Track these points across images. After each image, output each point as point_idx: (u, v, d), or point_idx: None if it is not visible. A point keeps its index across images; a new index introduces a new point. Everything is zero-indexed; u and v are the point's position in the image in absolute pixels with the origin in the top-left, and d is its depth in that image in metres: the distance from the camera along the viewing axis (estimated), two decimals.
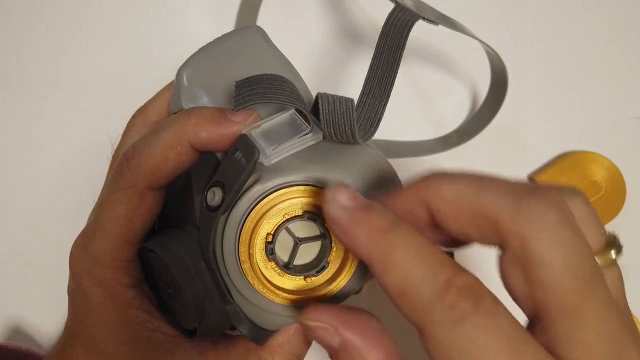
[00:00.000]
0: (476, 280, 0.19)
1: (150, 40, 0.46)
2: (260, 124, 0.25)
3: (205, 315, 0.26)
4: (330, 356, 0.22)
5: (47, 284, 0.39)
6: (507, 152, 0.48)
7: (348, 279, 0.26)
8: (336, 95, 0.25)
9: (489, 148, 0.47)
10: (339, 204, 0.21)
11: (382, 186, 0.26)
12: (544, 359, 0.19)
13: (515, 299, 0.20)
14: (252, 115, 0.25)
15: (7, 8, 0.46)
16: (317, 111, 0.25)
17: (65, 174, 0.44)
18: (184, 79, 0.29)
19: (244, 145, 0.24)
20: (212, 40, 0.30)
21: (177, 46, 0.46)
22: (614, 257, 0.22)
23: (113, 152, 0.33)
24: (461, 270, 0.19)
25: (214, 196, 0.24)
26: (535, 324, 0.20)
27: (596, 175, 0.46)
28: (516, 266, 0.19)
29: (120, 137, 0.33)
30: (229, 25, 0.47)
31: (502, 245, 0.20)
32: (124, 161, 0.27)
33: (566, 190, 0.22)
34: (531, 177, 0.47)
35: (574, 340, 0.19)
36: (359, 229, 0.20)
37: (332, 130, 0.25)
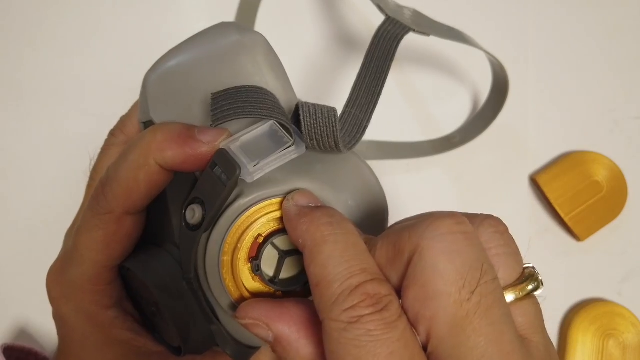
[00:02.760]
0: (389, 294, 0.19)
1: (150, 41, 0.46)
2: (238, 137, 0.23)
3: (190, 335, 0.26)
4: (271, 348, 0.22)
5: (43, 282, 0.39)
6: (509, 152, 0.48)
7: None
8: (318, 105, 0.24)
9: (491, 148, 0.47)
10: (295, 202, 0.23)
11: (365, 196, 0.26)
12: None
13: (412, 323, 0.20)
14: (223, 135, 0.23)
15: (7, 8, 0.46)
16: (299, 120, 0.24)
17: (66, 174, 0.44)
18: (152, 86, 0.26)
19: (224, 161, 0.22)
20: (183, 40, 0.27)
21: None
22: (529, 289, 0.21)
23: (91, 170, 0.31)
24: (380, 281, 0.20)
25: (194, 214, 0.23)
26: (427, 345, 0.19)
27: (597, 175, 0.46)
28: (411, 286, 0.19)
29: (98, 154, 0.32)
30: None
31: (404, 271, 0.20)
32: (99, 188, 0.25)
33: (480, 216, 0.22)
34: (533, 178, 0.47)
35: None
36: (303, 219, 0.22)
37: (314, 142, 0.24)
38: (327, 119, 0.24)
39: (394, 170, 0.47)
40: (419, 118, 0.48)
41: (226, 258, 0.24)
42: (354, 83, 0.27)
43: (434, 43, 0.48)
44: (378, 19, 0.31)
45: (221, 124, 0.23)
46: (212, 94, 0.24)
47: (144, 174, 0.24)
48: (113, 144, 0.30)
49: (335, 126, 0.24)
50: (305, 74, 0.48)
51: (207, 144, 0.23)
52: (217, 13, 0.47)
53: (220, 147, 0.23)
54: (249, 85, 0.24)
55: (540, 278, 0.21)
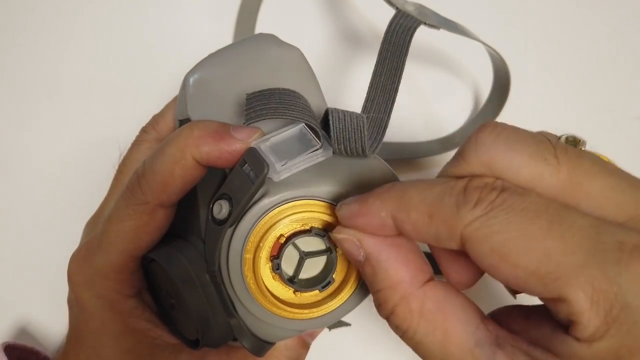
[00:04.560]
0: (496, 180, 0.19)
1: (151, 41, 0.46)
2: (269, 137, 0.24)
3: (209, 328, 0.26)
4: (360, 270, 0.22)
5: (51, 285, 0.39)
6: None
7: (350, 295, 0.26)
8: (347, 111, 0.25)
9: None
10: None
11: None
12: (590, 220, 0.18)
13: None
14: (256, 134, 0.24)
15: (8, 8, 0.46)
16: (327, 126, 0.25)
17: (66, 175, 0.44)
18: (191, 86, 0.28)
19: (253, 159, 0.23)
20: (222, 47, 0.29)
21: (177, 47, 0.46)
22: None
23: (120, 162, 0.32)
24: (476, 176, 0.20)
25: (221, 209, 0.24)
26: None
27: None
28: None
29: (128, 147, 0.33)
30: (229, 27, 0.47)
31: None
32: (134, 179, 0.26)
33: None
34: None
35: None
36: (376, 200, 0.21)
37: (342, 147, 0.25)
38: (355, 125, 0.25)
39: (395, 170, 0.46)
40: (419, 118, 0.48)
41: (248, 255, 0.24)
42: (370, 82, 0.27)
43: (434, 43, 0.48)
44: (381, 16, 0.31)
45: (254, 122, 0.24)
46: (246, 94, 0.25)
47: (180, 168, 0.25)
48: (144, 139, 0.31)
49: (364, 132, 0.25)
50: None
51: (240, 141, 0.24)
52: (218, 13, 0.47)
53: (251, 145, 0.24)
54: (282, 88, 0.25)
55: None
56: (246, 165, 0.24)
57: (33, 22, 0.46)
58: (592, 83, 0.49)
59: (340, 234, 0.22)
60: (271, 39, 0.28)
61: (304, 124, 0.25)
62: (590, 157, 0.20)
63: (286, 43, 0.27)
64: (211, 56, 0.28)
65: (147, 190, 0.26)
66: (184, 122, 0.28)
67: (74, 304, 0.30)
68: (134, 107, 0.45)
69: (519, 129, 0.21)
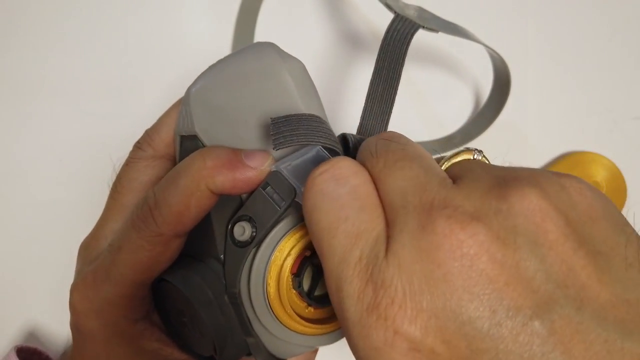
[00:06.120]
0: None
1: (150, 42, 0.46)
2: (288, 161, 0.25)
3: (226, 346, 0.26)
4: None
5: (52, 286, 0.40)
6: (509, 152, 0.48)
7: None
8: (362, 137, 0.25)
9: (491, 148, 0.47)
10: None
11: None
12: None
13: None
14: (269, 160, 0.25)
15: (7, 8, 0.46)
16: (346, 148, 0.25)
17: (67, 174, 0.44)
18: (195, 101, 0.27)
19: (278, 183, 0.24)
20: (222, 57, 0.28)
21: (177, 47, 0.46)
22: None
23: (114, 179, 0.31)
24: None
25: (244, 231, 0.24)
26: None
27: (597, 175, 0.46)
28: None
29: (122, 164, 0.31)
30: (229, 27, 0.47)
31: None
32: (147, 211, 0.26)
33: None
34: None
35: None
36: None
37: None
38: None
39: None
40: (420, 117, 0.48)
41: (272, 275, 0.24)
42: (368, 91, 0.28)
43: (434, 43, 0.48)
44: (381, 17, 0.31)
45: (282, 148, 0.24)
46: (271, 118, 0.24)
47: (196, 199, 0.25)
48: (141, 157, 0.30)
49: None
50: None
51: (254, 169, 0.24)
52: (218, 15, 0.47)
53: (273, 169, 0.24)
54: (308, 114, 0.25)
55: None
56: (269, 187, 0.24)
57: (33, 22, 0.46)
58: (592, 83, 0.49)
59: None
60: (272, 50, 0.27)
61: (320, 147, 0.25)
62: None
63: (287, 54, 0.27)
64: (213, 68, 0.28)
65: (162, 222, 0.25)
66: (187, 138, 0.28)
67: (80, 331, 0.29)
68: (133, 107, 0.45)
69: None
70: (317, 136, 0.24)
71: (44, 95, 0.45)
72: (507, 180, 0.19)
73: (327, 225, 0.20)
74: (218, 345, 0.26)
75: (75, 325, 0.29)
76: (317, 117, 0.25)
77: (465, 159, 0.24)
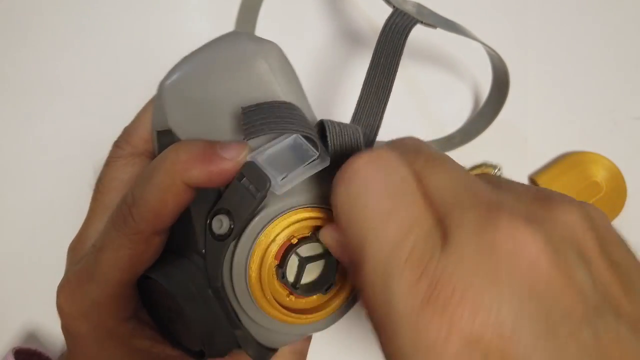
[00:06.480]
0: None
1: (150, 41, 0.46)
2: (263, 150, 0.24)
3: (214, 340, 0.26)
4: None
5: (51, 286, 0.39)
6: (509, 152, 0.48)
7: (351, 294, 0.26)
8: (342, 123, 0.25)
9: (490, 148, 0.47)
10: None
11: None
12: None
13: None
14: (244, 150, 0.24)
15: (7, 8, 0.46)
16: (323, 136, 0.25)
17: (67, 174, 0.44)
18: (168, 94, 0.26)
19: (253, 173, 0.23)
20: (195, 48, 0.27)
21: (178, 47, 0.46)
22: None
23: (96, 180, 0.31)
24: None
25: (221, 224, 0.24)
26: None
27: (597, 175, 0.46)
28: None
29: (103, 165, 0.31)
30: (229, 26, 0.47)
31: None
32: (125, 209, 0.25)
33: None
34: (532, 178, 0.47)
35: None
36: None
37: (339, 158, 0.24)
38: (352, 137, 0.24)
39: None
40: (419, 117, 0.48)
41: (254, 267, 0.24)
42: (362, 87, 0.27)
43: (433, 42, 0.48)
44: (380, 14, 0.31)
45: (253, 137, 0.23)
46: (242, 107, 0.24)
47: (172, 195, 0.24)
48: (120, 156, 0.30)
49: (361, 144, 0.25)
50: (307, 73, 0.47)
51: (230, 160, 0.24)
52: (218, 13, 0.47)
53: (248, 159, 0.24)
54: (279, 101, 0.25)
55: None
56: (244, 179, 0.23)
57: (32, 23, 0.46)
58: (592, 83, 0.49)
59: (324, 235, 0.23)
60: (245, 36, 0.26)
61: (298, 134, 0.24)
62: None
63: (261, 39, 0.26)
64: (185, 60, 0.27)
65: (140, 220, 0.25)
66: (163, 133, 0.27)
67: (69, 334, 0.28)
68: (133, 107, 0.45)
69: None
70: (290, 123, 0.24)
71: (44, 95, 0.45)
72: (545, 193, 0.20)
73: (377, 214, 0.19)
74: (206, 340, 0.26)
75: (65, 328, 0.29)
76: (290, 104, 0.25)
77: (488, 173, 0.24)
